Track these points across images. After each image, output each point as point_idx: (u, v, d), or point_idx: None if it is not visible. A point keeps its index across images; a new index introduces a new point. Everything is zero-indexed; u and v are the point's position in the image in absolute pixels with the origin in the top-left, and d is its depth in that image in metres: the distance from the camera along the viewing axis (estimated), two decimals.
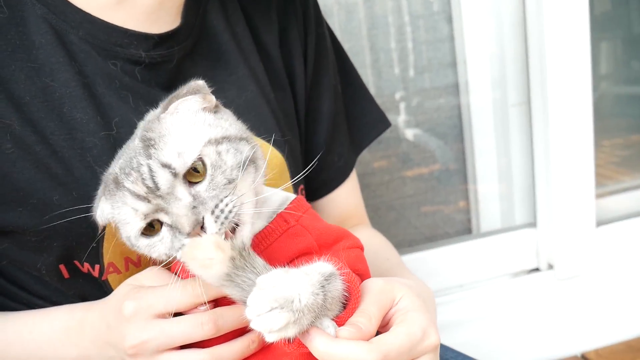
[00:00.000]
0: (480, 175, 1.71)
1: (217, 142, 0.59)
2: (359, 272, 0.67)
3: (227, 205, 0.58)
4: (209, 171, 0.58)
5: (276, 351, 0.65)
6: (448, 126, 1.70)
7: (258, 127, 0.87)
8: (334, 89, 1.01)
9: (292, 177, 0.91)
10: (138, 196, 0.58)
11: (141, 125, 0.64)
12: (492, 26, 1.59)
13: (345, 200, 1.06)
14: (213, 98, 0.63)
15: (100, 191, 0.64)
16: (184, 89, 0.62)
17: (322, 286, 0.57)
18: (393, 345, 0.59)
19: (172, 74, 0.82)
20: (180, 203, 0.57)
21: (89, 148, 0.74)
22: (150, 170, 0.57)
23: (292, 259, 0.65)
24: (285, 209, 0.68)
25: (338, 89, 1.03)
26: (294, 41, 0.96)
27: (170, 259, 0.61)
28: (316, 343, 0.57)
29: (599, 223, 1.57)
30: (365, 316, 0.60)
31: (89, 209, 0.73)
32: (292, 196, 0.72)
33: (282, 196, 0.71)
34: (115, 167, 0.61)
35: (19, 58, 0.72)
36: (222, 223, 0.57)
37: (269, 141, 0.88)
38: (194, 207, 0.57)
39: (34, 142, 0.72)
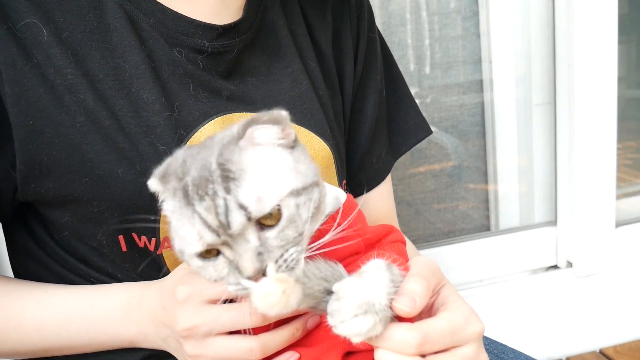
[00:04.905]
0: (500, 173, 1.73)
1: (298, 193, 0.57)
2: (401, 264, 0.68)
3: (291, 254, 0.57)
4: (282, 222, 0.56)
5: (317, 337, 0.67)
6: (470, 123, 1.72)
7: (309, 120, 0.90)
8: (380, 93, 1.03)
9: (337, 172, 0.94)
10: (209, 227, 0.55)
11: (217, 140, 0.59)
12: (520, 24, 1.61)
13: (378, 203, 1.08)
14: (293, 132, 0.59)
15: (160, 171, 0.61)
16: (264, 115, 0.57)
17: (391, 280, 0.58)
18: (434, 326, 0.59)
19: (231, 63, 0.85)
20: (247, 246, 0.55)
21: (153, 126, 0.77)
22: (227, 207, 0.54)
23: (340, 260, 0.65)
24: (340, 212, 0.67)
25: (383, 93, 1.05)
26: (346, 42, 0.98)
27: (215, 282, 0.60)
28: None
29: (617, 224, 1.60)
30: (424, 284, 0.59)
31: None
32: (342, 195, 0.72)
33: (332, 196, 0.70)
34: (189, 170, 0.57)
35: (95, 39, 0.75)
36: (281, 267, 0.56)
37: (317, 134, 0.90)
38: (260, 253, 0.55)
39: (104, 117, 0.75)
